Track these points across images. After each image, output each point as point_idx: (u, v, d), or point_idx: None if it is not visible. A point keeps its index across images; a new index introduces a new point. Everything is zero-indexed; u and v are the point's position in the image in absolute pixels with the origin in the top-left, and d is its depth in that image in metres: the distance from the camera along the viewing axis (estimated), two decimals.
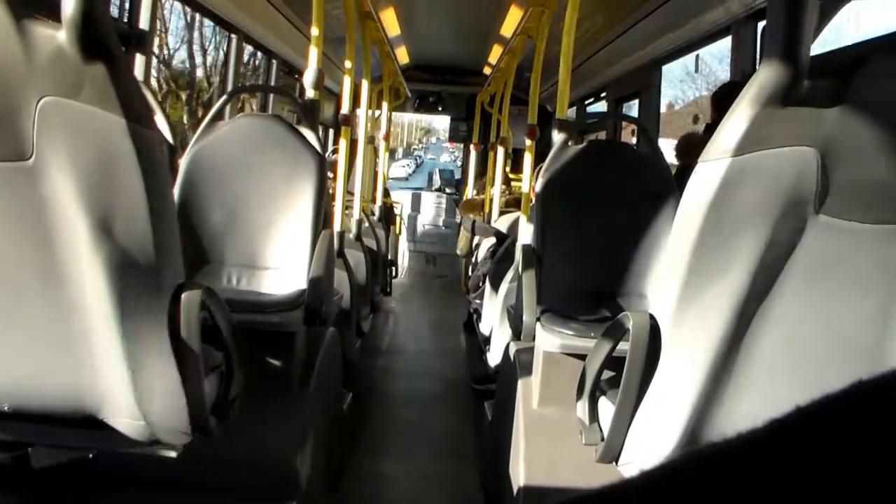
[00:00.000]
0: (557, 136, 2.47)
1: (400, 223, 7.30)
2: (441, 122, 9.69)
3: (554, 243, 2.28)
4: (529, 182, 3.26)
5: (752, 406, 1.09)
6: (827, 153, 1.01)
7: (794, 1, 0.99)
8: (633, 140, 5.16)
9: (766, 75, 1.01)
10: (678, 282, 1.10)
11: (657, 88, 4.24)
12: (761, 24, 2.92)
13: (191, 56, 10.03)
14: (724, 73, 3.30)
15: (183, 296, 1.18)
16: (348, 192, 3.91)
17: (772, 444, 0.26)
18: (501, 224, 4.54)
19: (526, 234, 2.85)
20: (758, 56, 2.95)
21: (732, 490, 0.25)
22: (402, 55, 6.51)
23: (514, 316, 2.36)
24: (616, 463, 1.32)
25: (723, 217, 1.05)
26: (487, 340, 3.57)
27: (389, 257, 5.62)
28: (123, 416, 1.14)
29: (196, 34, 9.52)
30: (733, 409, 1.10)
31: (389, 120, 6.80)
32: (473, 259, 5.05)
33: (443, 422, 3.31)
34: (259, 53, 3.97)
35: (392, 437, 3.07)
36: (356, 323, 3.59)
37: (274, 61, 4.82)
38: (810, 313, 1.07)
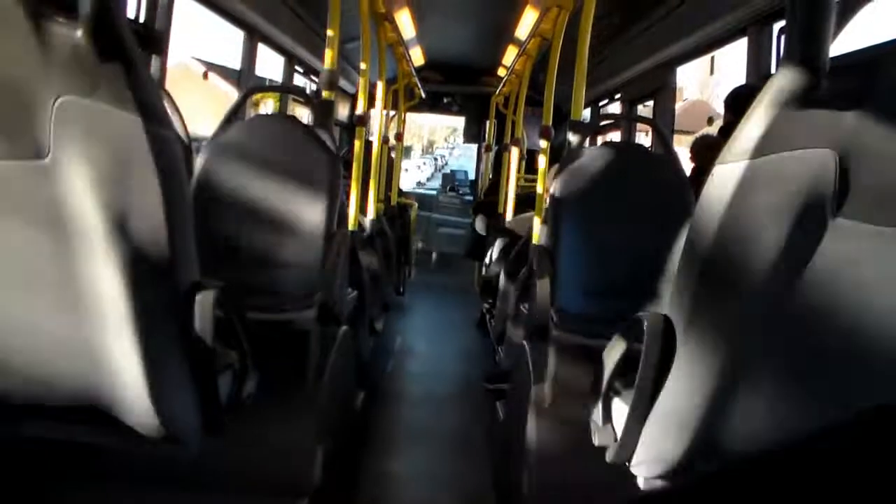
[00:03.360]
0: (572, 138, 2.47)
1: (413, 223, 7.32)
2: None
3: (567, 243, 2.28)
4: (543, 183, 3.25)
5: (766, 408, 1.08)
6: (846, 155, 0.99)
7: (814, 1, 0.97)
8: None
9: (785, 77, 0.99)
10: (693, 283, 1.09)
11: (672, 90, 4.22)
12: (777, 26, 2.90)
13: None
14: None
15: (198, 294, 1.18)
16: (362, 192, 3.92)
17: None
18: (514, 224, 4.54)
19: (540, 234, 2.84)
20: (773, 57, 2.93)
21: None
22: (417, 56, 6.51)
23: (526, 315, 2.36)
24: (629, 464, 1.31)
25: (740, 220, 1.04)
26: (500, 340, 3.57)
27: (403, 257, 5.63)
28: (137, 414, 1.15)
29: None
30: (748, 411, 1.09)
31: (403, 120, 6.81)
32: (487, 259, 5.05)
33: (455, 421, 3.31)
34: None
35: (404, 435, 3.07)
36: (369, 322, 3.60)
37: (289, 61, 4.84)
38: (827, 316, 1.05)
